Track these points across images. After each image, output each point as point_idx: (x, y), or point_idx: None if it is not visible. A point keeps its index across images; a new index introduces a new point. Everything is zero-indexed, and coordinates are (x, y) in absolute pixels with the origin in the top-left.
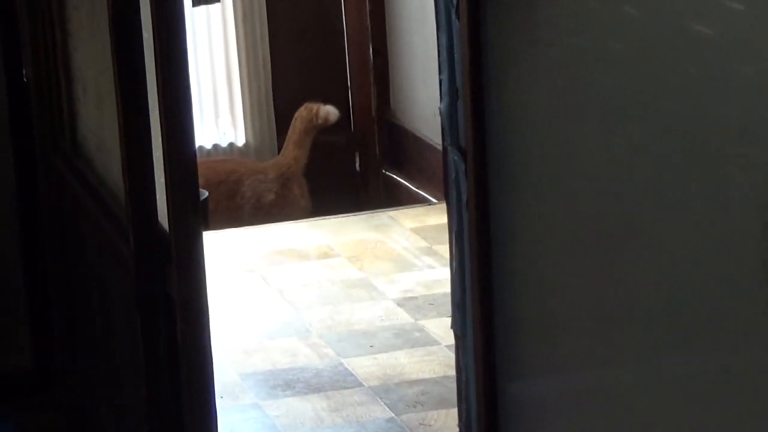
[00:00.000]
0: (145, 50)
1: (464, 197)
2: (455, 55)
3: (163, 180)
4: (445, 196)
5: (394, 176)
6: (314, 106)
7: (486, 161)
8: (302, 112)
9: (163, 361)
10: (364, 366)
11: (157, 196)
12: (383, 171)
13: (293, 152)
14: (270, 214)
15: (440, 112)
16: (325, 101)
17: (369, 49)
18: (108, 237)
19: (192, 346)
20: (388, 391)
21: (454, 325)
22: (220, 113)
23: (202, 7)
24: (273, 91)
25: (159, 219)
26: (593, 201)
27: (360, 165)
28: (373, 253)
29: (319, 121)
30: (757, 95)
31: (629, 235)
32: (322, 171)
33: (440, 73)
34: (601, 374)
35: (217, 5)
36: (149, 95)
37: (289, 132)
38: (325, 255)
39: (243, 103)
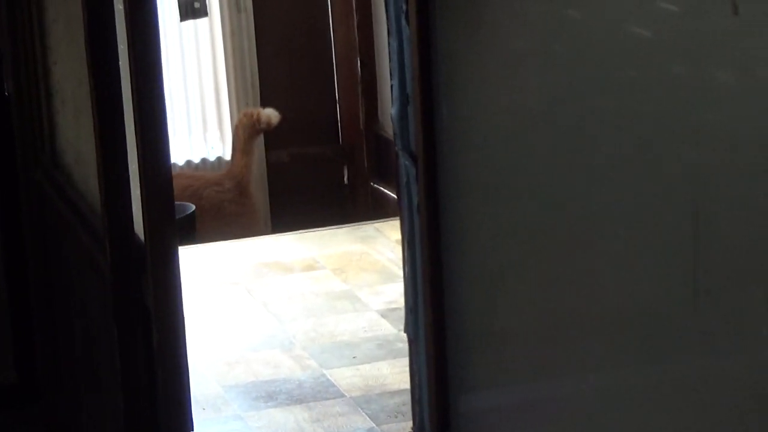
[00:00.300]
0: (120, 63)
1: (415, 202)
2: (405, 61)
3: (139, 192)
4: (398, 202)
5: (382, 188)
6: (254, 111)
7: (436, 166)
8: (242, 120)
9: (140, 370)
10: (347, 377)
11: (134, 208)
12: (371, 183)
13: (242, 160)
14: (231, 223)
15: (391, 118)
16: (314, 114)
17: (357, 62)
18: (86, 248)
19: (168, 355)
20: (369, 401)
21: (407, 329)
22: (208, 127)
23: (190, 21)
24: (261, 105)
25: (135, 230)
26: (540, 205)
27: (348, 177)
28: (358, 264)
29: (262, 126)
30: (690, 95)
31: (573, 239)
32: (309, 183)
33: (391, 78)
34: (549, 378)
35: (205, 19)
36: (125, 108)
37: (233, 141)
38: (310, 267)
39: (231, 117)
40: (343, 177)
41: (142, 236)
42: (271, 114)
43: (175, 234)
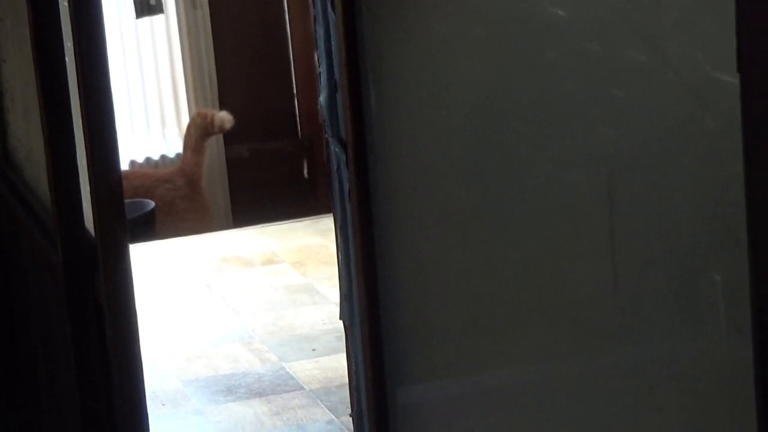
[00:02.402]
0: (67, 60)
1: (347, 188)
2: (333, 48)
3: (88, 188)
4: (329, 189)
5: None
6: (208, 114)
7: (366, 152)
8: (196, 120)
9: (95, 368)
10: (306, 369)
11: (84, 205)
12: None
13: (193, 158)
14: (184, 219)
15: (319, 105)
16: (272, 109)
17: (314, 56)
18: (39, 246)
19: (122, 351)
20: (329, 393)
21: (342, 316)
22: (166, 123)
23: (146, 18)
24: (219, 101)
25: (87, 227)
26: (467, 190)
27: (307, 171)
28: (317, 258)
29: (215, 130)
30: (605, 74)
31: (499, 226)
32: (269, 178)
33: (319, 66)
34: (481, 366)
35: (161, 16)
36: (73, 105)
37: (185, 139)
38: (270, 261)
39: (189, 113)
40: (303, 171)
41: (93, 232)
42: (225, 118)
43: (125, 231)
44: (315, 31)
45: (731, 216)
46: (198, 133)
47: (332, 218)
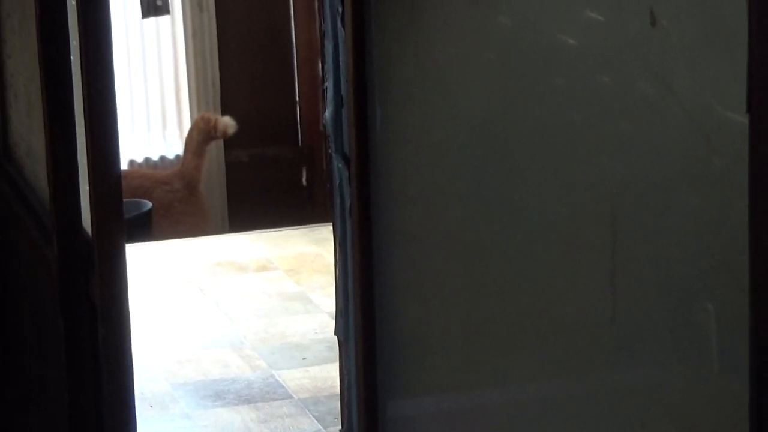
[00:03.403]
0: (73, 59)
1: (347, 204)
2: (340, 63)
3: (87, 187)
4: (330, 204)
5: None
6: (212, 118)
7: (369, 169)
8: (199, 123)
9: (86, 366)
10: (296, 378)
11: (83, 203)
12: (329, 186)
13: (193, 161)
14: (181, 222)
15: (324, 120)
16: (273, 115)
17: (318, 63)
18: (35, 242)
19: (113, 351)
20: (317, 403)
21: (337, 331)
22: (167, 125)
23: (152, 19)
24: (221, 104)
25: (84, 225)
26: (469, 211)
27: (306, 179)
28: (311, 266)
29: (218, 134)
30: (611, 104)
31: (499, 246)
32: (268, 184)
33: (326, 81)
34: (475, 385)
35: (167, 17)
36: (76, 103)
37: (186, 142)
38: (264, 268)
39: (191, 115)
40: (302, 179)
41: (90, 231)
42: (228, 123)
43: (122, 230)
44: (323, 45)
45: (731, 254)
46: (200, 137)
47: (329, 228)
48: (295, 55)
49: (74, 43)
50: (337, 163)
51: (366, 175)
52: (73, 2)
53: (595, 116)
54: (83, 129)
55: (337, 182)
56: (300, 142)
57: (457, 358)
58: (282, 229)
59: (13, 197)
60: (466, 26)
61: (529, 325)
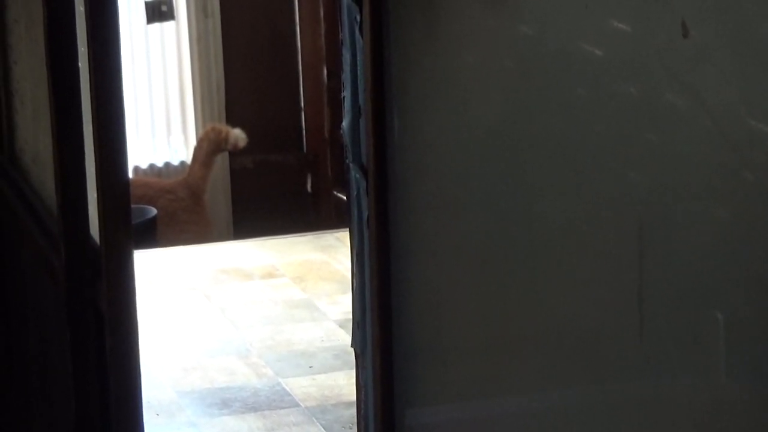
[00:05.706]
0: (81, 65)
1: (365, 215)
2: (358, 73)
3: (95, 195)
4: (348, 215)
5: (345, 198)
6: (223, 130)
7: (387, 179)
8: (210, 134)
9: (92, 375)
10: (303, 386)
11: (90, 211)
12: (334, 192)
13: (200, 171)
14: (184, 231)
15: (342, 130)
16: (278, 122)
17: (323, 70)
18: (41, 250)
19: (120, 360)
20: (324, 411)
21: (354, 343)
22: (172, 131)
23: (157, 24)
24: (226, 110)
25: (91, 233)
26: (489, 222)
27: (311, 186)
28: (317, 274)
29: (228, 147)
30: (638, 115)
31: (521, 257)
32: (272, 190)
33: (343, 90)
34: (494, 396)
35: (171, 23)
36: (84, 110)
37: (195, 151)
38: (270, 275)
39: (195, 121)
40: (306, 185)
41: (97, 239)
42: (239, 136)
43: (130, 238)
44: (341, 55)
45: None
46: (210, 148)
47: (335, 235)
48: (299, 62)
49: (82, 49)
50: (355, 174)
51: (384, 186)
52: (81, 8)
53: (622, 128)
54: (91, 136)
55: (355, 193)
56: (305, 148)
57: (474, 369)
58: (288, 236)
59: (17, 203)
60: (486, 35)
61: (548, 336)
